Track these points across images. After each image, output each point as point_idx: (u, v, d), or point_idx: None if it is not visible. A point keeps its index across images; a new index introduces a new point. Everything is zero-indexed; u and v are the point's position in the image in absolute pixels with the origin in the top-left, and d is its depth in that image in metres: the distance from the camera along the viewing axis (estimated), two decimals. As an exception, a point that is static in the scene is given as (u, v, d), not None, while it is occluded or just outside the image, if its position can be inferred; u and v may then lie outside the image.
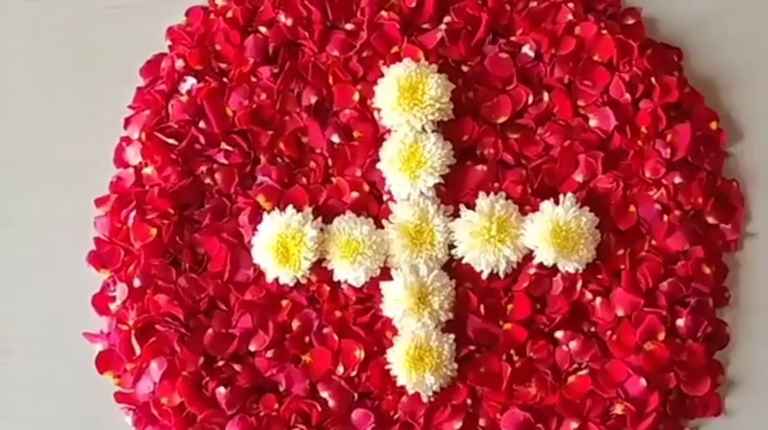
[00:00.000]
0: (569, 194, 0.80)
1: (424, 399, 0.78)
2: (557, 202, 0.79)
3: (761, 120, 0.85)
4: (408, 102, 0.79)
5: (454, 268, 0.80)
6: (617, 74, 0.82)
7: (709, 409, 0.80)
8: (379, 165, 0.81)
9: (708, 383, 0.79)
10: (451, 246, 0.80)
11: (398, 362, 0.77)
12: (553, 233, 0.78)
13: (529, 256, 0.80)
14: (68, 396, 0.81)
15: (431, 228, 0.79)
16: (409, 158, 0.79)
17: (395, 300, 0.78)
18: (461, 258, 0.79)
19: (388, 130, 0.81)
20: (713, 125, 0.83)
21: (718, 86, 0.85)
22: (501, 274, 0.79)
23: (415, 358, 0.77)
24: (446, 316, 0.78)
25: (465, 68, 0.83)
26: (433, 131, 0.80)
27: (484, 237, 0.78)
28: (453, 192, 0.81)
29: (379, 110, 0.81)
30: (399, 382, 0.78)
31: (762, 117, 0.85)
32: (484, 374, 0.79)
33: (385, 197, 0.81)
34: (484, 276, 0.79)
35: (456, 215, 0.80)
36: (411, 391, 0.78)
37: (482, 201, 0.79)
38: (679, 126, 0.82)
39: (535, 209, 0.80)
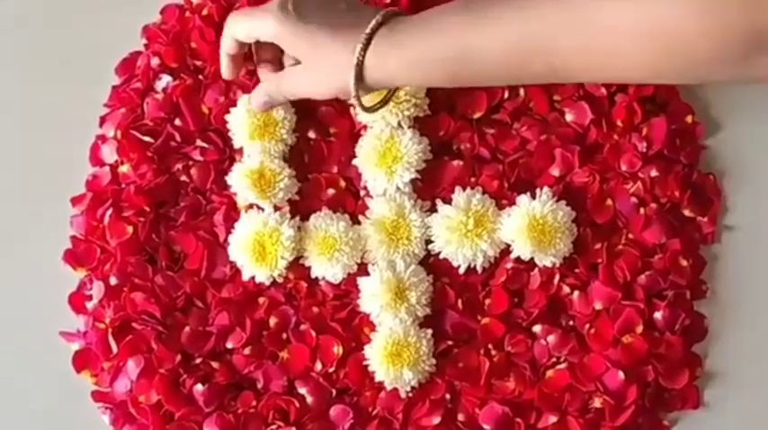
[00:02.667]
0: (546, 188, 0.79)
1: (403, 395, 0.78)
2: (533, 197, 0.79)
3: (737, 113, 0.85)
4: (384, 98, 0.79)
5: (431, 263, 0.80)
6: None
7: (687, 402, 0.80)
8: (355, 162, 0.81)
9: (686, 376, 0.79)
10: (428, 242, 0.80)
11: (376, 357, 0.77)
12: (530, 227, 0.78)
13: (506, 251, 0.80)
14: (45, 395, 0.81)
15: (407, 223, 0.79)
16: (385, 154, 0.79)
17: (372, 296, 0.78)
18: (438, 253, 0.79)
19: (365, 126, 0.81)
20: (689, 118, 0.83)
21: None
22: (478, 269, 0.79)
23: (392, 354, 0.77)
24: (423, 311, 0.78)
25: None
26: (409, 127, 0.80)
27: (461, 231, 0.78)
28: (430, 188, 0.81)
29: (354, 106, 0.81)
30: (377, 378, 0.77)
31: (738, 110, 0.85)
32: (462, 369, 0.79)
33: (361, 193, 0.81)
34: (461, 271, 0.79)
35: (433, 210, 0.80)
36: (389, 387, 0.77)
37: (459, 196, 0.79)
38: (654, 119, 0.81)
39: (512, 203, 0.80)
